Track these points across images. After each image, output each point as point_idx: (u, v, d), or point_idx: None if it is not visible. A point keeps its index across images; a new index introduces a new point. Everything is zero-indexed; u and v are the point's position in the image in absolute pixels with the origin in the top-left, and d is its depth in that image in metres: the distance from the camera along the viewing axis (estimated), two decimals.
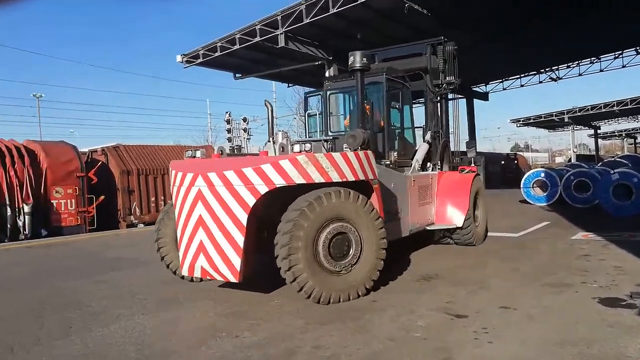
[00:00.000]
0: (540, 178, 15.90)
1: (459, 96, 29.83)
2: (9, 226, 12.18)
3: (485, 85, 30.16)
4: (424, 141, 8.44)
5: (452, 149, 9.23)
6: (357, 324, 4.45)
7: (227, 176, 5.01)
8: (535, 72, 27.35)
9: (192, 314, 4.98)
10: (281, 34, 15.84)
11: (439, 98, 8.88)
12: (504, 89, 29.55)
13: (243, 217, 4.90)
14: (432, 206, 8.04)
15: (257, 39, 16.46)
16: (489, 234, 9.86)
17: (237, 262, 4.95)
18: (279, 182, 4.89)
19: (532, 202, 15.92)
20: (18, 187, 12.18)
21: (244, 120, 8.24)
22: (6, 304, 5.82)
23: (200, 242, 5.25)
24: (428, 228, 7.84)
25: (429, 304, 5.00)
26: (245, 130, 8.08)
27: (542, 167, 25.76)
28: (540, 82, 27.90)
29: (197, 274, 5.37)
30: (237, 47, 17.04)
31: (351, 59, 6.60)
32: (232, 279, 5.00)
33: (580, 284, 5.58)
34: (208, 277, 5.38)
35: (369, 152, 5.69)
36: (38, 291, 6.35)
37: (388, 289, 5.71)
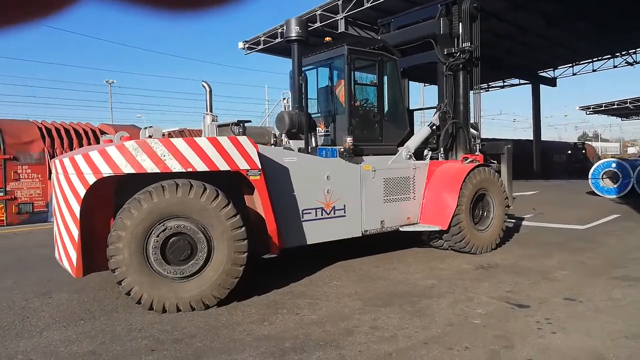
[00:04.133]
0: (610, 169, 15.01)
1: (524, 81, 28.87)
2: None
3: (554, 70, 28.64)
4: (428, 125, 7.51)
5: (477, 132, 7.94)
6: (415, 307, 4.48)
7: (65, 164, 4.50)
8: (609, 56, 25.62)
9: (253, 290, 5.17)
10: (341, 19, 15.81)
11: (452, 70, 7.51)
12: (574, 74, 27.94)
13: (76, 209, 4.42)
14: (412, 202, 6.86)
15: (317, 24, 16.50)
16: (553, 225, 9.51)
17: (74, 256, 4.51)
18: (106, 171, 4.33)
19: (600, 194, 15.09)
20: None
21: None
22: None
23: (56, 232, 4.89)
24: (402, 229, 6.72)
25: (489, 292, 4.93)
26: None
27: (612, 157, 24.29)
28: (615, 66, 26.13)
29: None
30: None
31: (285, 28, 6.15)
32: (72, 274, 4.61)
33: None
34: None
35: (245, 138, 4.91)
36: None
37: (445, 275, 5.67)
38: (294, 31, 6.12)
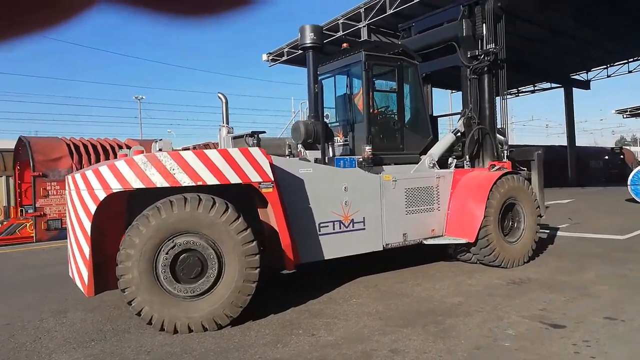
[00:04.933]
0: None
1: (556, 85, 27.98)
2: None
3: (587, 73, 27.68)
4: (452, 132, 7.15)
5: (504, 138, 7.46)
6: (439, 328, 4.17)
7: (76, 180, 4.42)
8: None
9: (268, 308, 4.95)
10: (364, 26, 15.66)
11: (476, 74, 7.15)
12: (609, 76, 26.94)
13: (87, 225, 4.32)
14: (437, 213, 6.52)
15: (340, 33, 16.40)
16: (590, 235, 9.00)
17: (85, 274, 4.38)
18: (116, 186, 4.23)
19: None
20: None
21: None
22: None
23: (69, 250, 4.80)
24: (426, 242, 6.39)
25: (521, 310, 4.57)
26: None
27: None
28: None
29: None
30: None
31: (299, 35, 5.91)
32: (84, 292, 4.47)
33: None
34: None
35: (256, 149, 4.73)
36: None
37: (473, 292, 5.33)
38: (309, 38, 5.97)
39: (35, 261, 8.88)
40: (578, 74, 27.83)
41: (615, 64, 25.91)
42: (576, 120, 30.61)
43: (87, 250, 4.40)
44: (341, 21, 16.06)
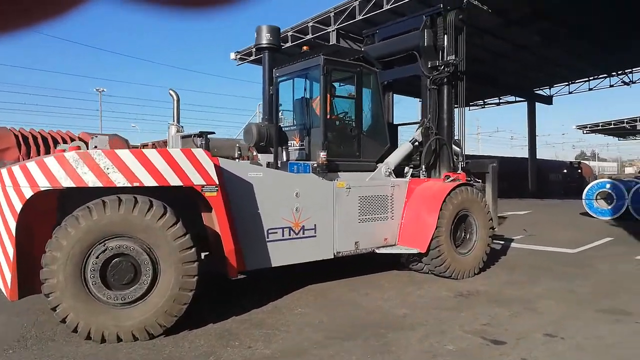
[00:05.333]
0: (605, 189, 14.63)
1: (520, 99, 28.68)
2: None
3: (550, 89, 28.49)
4: (409, 141, 7.12)
5: (460, 149, 7.46)
6: (381, 342, 4.06)
7: (2, 175, 4.12)
8: (606, 75, 25.48)
9: (208, 316, 4.74)
10: (333, 31, 15.58)
11: (436, 84, 7.12)
12: (570, 93, 27.81)
13: (12, 225, 4.03)
14: (390, 222, 6.45)
15: (309, 36, 16.30)
16: (542, 248, 9.13)
17: (8, 277, 4.09)
18: (44, 184, 3.96)
19: (594, 216, 14.70)
20: None
21: None
22: None
23: None
24: (378, 251, 6.32)
25: (465, 325, 4.52)
26: None
27: (609, 177, 23.95)
28: (612, 85, 25.97)
29: None
30: (289, 44, 16.92)
31: (256, 35, 5.84)
32: (7, 296, 4.18)
33: None
34: None
35: (200, 150, 4.50)
36: None
37: (420, 304, 5.26)
38: (265, 38, 5.82)
39: None
40: (541, 89, 28.59)
41: (577, 81, 26.75)
42: (539, 134, 31.51)
43: (10, 250, 4.08)
44: (311, 24, 15.95)
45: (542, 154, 35.55)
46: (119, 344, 3.97)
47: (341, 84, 6.74)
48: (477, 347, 3.96)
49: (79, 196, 4.17)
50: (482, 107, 31.47)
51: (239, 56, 19.28)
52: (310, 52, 6.47)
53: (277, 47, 5.99)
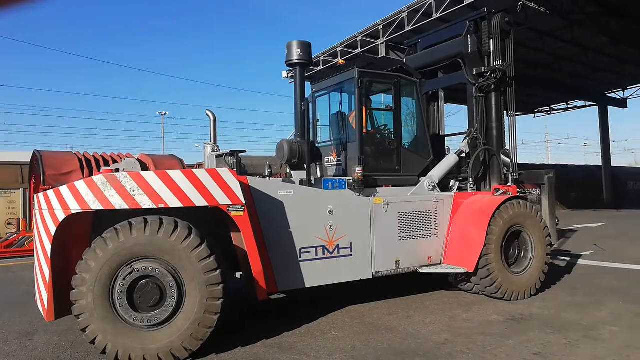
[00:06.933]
0: None
1: (590, 103, 26.87)
2: None
3: (623, 91, 26.50)
4: (454, 152, 6.74)
5: (509, 160, 6.81)
6: None
7: (40, 199, 4.23)
8: None
9: (238, 340, 4.61)
10: (382, 43, 15.40)
11: (482, 91, 6.68)
12: None
13: (48, 247, 4.11)
14: (434, 240, 6.07)
15: (358, 50, 16.21)
16: (613, 265, 8.31)
17: (45, 297, 4.17)
18: (75, 207, 4.02)
19: None
20: None
21: None
22: None
23: (34, 271, 4.51)
24: (421, 270, 5.91)
25: (512, 354, 4.09)
26: None
27: None
28: None
29: None
30: (340, 59, 16.89)
31: (287, 51, 5.74)
32: (44, 316, 4.25)
33: None
34: None
35: (225, 170, 4.42)
36: None
37: (465, 329, 4.85)
38: (296, 54, 5.75)
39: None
40: (614, 92, 26.66)
41: None
42: (616, 139, 29.38)
43: (47, 272, 4.19)
44: (359, 38, 15.86)
45: (619, 161, 33.05)
46: None
47: (381, 96, 6.52)
48: None
49: (116, 218, 4.22)
50: (549, 113, 29.80)
51: (290, 74, 19.49)
52: (345, 65, 6.31)
53: (308, 62, 5.90)
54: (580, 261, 8.88)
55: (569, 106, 28.54)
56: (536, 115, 30.22)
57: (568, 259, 9.09)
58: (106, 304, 3.96)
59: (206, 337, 4.11)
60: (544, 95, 24.85)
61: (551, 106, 28.95)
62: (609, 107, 27.23)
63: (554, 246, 6.86)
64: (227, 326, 4.82)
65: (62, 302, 4.29)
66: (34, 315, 5.71)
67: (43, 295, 4.27)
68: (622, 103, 27.13)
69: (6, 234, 13.02)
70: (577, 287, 6.70)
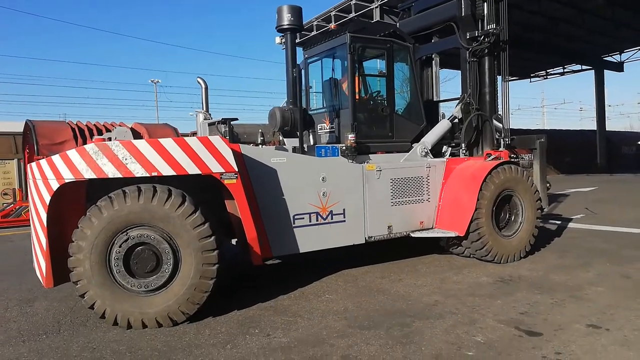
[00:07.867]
0: None
1: (586, 67, 26.66)
2: None
3: (620, 54, 26.25)
4: (447, 118, 6.74)
5: (501, 125, 6.86)
6: (404, 332, 3.88)
7: (33, 169, 4.30)
8: None
9: (233, 303, 4.73)
10: (376, 7, 15.12)
11: (476, 56, 6.66)
12: None
13: (43, 215, 4.19)
14: (426, 205, 6.15)
15: (352, 14, 15.91)
16: (603, 228, 8.46)
17: (43, 265, 4.28)
18: (68, 176, 4.07)
19: None
20: None
21: None
22: None
23: (31, 239, 4.62)
24: (413, 235, 6.04)
25: (499, 314, 4.23)
26: None
27: None
28: None
29: None
30: (332, 24, 16.60)
31: (277, 16, 5.68)
32: (43, 283, 4.38)
33: None
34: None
35: (217, 137, 4.43)
36: None
37: (455, 290, 4.99)
38: (286, 19, 5.65)
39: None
40: (610, 56, 26.42)
41: None
42: (611, 104, 29.25)
43: (44, 240, 4.27)
44: (353, 2, 15.55)
45: (614, 125, 33.10)
46: (144, 331, 4.05)
47: (372, 62, 6.47)
48: (508, 338, 3.68)
49: (111, 185, 4.27)
50: (545, 78, 29.61)
51: (283, 40, 19.19)
52: (337, 30, 6.23)
53: (299, 27, 5.82)
54: (571, 225, 9.03)
55: (565, 70, 28.32)
56: (532, 80, 30.02)
57: (559, 222, 9.24)
58: (103, 271, 4.05)
59: (202, 301, 4.21)
60: (539, 59, 24.60)
61: (547, 71, 28.72)
62: (605, 71, 27.04)
63: (545, 210, 6.96)
64: (222, 291, 4.93)
65: (61, 269, 4.38)
66: (34, 283, 5.80)
67: (41, 263, 4.35)
68: (618, 67, 26.93)
69: (2, 204, 13.06)
70: (567, 249, 6.84)
